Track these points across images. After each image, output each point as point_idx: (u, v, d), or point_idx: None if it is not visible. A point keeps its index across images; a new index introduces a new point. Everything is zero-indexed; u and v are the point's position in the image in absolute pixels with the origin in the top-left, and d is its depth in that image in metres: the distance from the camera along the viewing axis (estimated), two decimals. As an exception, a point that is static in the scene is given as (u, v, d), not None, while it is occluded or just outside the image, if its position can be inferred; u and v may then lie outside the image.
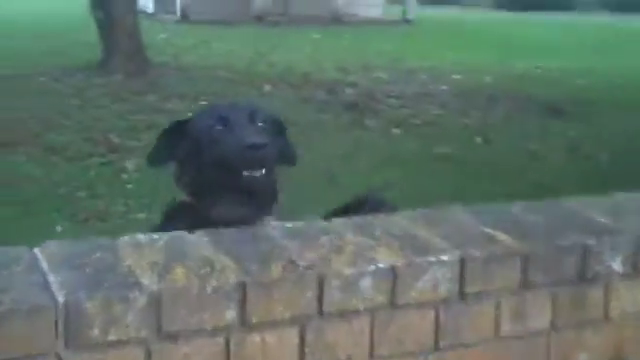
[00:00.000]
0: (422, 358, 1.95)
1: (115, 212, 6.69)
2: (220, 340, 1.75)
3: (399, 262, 1.89)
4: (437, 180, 7.66)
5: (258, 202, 2.29)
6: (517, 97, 11.74)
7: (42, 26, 18.94)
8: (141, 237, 1.94)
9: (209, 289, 1.73)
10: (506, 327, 2.02)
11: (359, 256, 1.90)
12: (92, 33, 13.68)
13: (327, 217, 2.27)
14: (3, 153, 8.20)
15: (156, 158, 2.47)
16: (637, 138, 9.49)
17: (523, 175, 7.92)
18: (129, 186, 7.35)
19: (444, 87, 12.71)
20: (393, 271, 1.88)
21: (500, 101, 11.47)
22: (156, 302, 1.69)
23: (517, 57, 16.44)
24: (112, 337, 1.66)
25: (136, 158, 7.80)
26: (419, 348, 1.95)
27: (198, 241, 1.94)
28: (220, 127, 2.34)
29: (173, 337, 1.71)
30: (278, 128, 2.50)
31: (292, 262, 1.84)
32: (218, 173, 2.29)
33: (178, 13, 23.18)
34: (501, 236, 2.06)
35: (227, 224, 2.08)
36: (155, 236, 1.95)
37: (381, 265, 1.87)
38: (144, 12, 20.23)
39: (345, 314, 1.85)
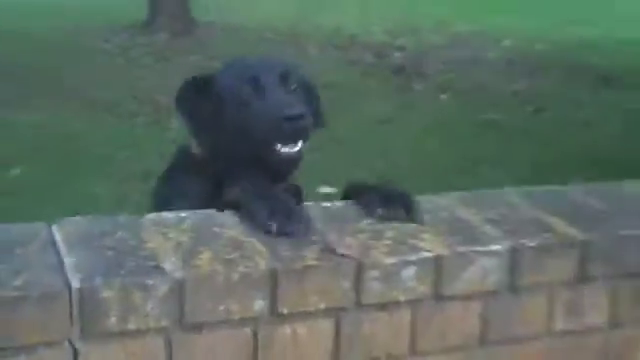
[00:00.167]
0: (467, 353, 1.80)
1: (157, 173, 6.56)
2: (247, 331, 1.62)
3: (445, 251, 1.74)
4: (483, 147, 7.44)
5: (284, 178, 2.10)
6: (571, 65, 11.39)
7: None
8: (167, 215, 1.80)
9: (236, 276, 1.59)
10: (559, 322, 1.86)
11: (401, 243, 1.75)
12: (138, -9, 13.57)
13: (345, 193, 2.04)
14: (49, 109, 8.13)
15: (184, 118, 2.21)
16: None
17: (574, 146, 7.66)
18: (173, 146, 7.23)
19: (493, 53, 12.40)
20: (438, 261, 1.72)
21: (552, 69, 11.16)
22: (178, 290, 1.55)
23: (572, 23, 16.00)
24: (130, 326, 1.53)
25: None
26: (464, 343, 1.79)
27: (227, 221, 1.80)
28: (249, 89, 2.10)
29: (196, 327, 1.58)
30: (308, 88, 2.28)
31: (328, 248, 1.70)
32: (244, 144, 2.07)
33: (226, -28, 22.95)
34: (557, 223, 1.89)
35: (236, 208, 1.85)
36: (182, 214, 1.81)
37: (425, 254, 1.72)
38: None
39: (385, 306, 1.70)
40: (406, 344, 1.74)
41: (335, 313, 1.66)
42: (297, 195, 2.14)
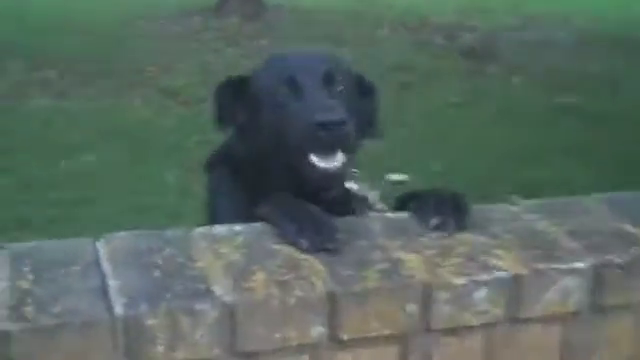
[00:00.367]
0: (546, 380, 1.65)
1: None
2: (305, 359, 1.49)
3: (521, 269, 1.58)
4: (559, 134, 7.17)
5: (327, 195, 1.88)
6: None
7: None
8: (218, 230, 1.68)
9: (292, 300, 1.46)
10: (648, 346, 1.69)
11: (472, 260, 1.60)
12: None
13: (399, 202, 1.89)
14: (118, 96, 8.13)
15: (220, 121, 2.03)
16: None
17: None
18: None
19: (567, 33, 12.06)
20: (514, 280, 1.57)
21: (629, 49, 10.77)
22: (230, 316, 1.43)
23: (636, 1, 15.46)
24: (179, 356, 1.42)
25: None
26: (543, 369, 1.64)
27: (284, 235, 1.67)
28: (286, 90, 1.89)
29: (250, 356, 1.46)
30: (363, 89, 2.03)
31: (392, 267, 1.56)
32: (277, 152, 1.87)
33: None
34: (646, 236, 1.72)
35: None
36: (235, 228, 1.69)
37: (499, 273, 1.57)
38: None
39: (455, 331, 1.56)
40: (479, 371, 1.60)
41: (400, 339, 1.53)
42: (345, 202, 1.96)
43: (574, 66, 9.90)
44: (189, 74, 9.14)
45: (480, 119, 7.59)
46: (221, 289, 1.46)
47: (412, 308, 1.51)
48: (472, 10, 13.83)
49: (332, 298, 1.48)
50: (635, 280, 1.64)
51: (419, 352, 1.54)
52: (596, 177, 5.73)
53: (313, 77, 1.89)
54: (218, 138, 2.16)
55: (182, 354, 1.42)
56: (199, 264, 1.54)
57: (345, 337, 1.49)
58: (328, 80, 1.91)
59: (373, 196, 1.97)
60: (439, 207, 1.74)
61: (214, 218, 1.97)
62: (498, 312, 1.57)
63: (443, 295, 1.53)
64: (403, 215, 1.77)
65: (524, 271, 1.58)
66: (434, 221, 1.71)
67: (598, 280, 1.62)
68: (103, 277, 1.49)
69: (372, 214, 1.84)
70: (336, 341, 1.49)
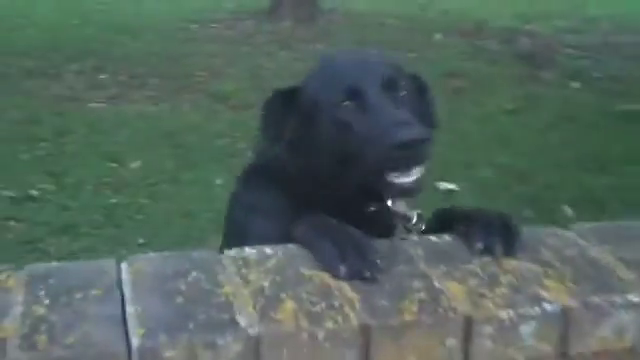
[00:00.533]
0: (598, 421, 1.52)
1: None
2: (336, 396, 1.39)
3: (572, 302, 1.46)
4: (621, 142, 6.94)
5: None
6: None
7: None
8: (249, 252, 1.58)
9: (322, 334, 1.36)
10: None
11: (519, 291, 1.48)
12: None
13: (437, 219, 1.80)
14: (168, 100, 8.11)
15: (269, 137, 1.88)
16: None
17: None
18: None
19: (629, 37, 11.77)
20: (564, 314, 1.45)
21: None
22: (254, 349, 1.33)
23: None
24: (198, 390, 1.33)
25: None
26: (594, 409, 1.51)
27: (317, 260, 1.57)
28: (347, 102, 1.73)
29: (275, 392, 1.36)
30: (418, 88, 1.90)
31: (432, 297, 1.45)
32: (342, 170, 1.74)
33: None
34: None
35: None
36: (267, 251, 1.59)
37: (548, 306, 1.45)
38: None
39: (499, 367, 1.44)
40: (525, 411, 1.47)
41: (439, 376, 1.42)
42: (385, 220, 1.82)
43: (637, 72, 9.64)
44: (240, 78, 9.09)
45: (536, 126, 7.40)
46: (246, 320, 1.36)
47: (452, 343, 1.40)
48: (530, 14, 13.59)
49: (366, 331, 1.37)
50: (698, 315, 1.51)
51: (459, 390, 1.43)
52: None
53: (374, 84, 1.74)
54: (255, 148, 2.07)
55: (202, 389, 1.32)
56: (225, 289, 1.44)
57: (378, 373, 1.39)
58: (390, 86, 1.77)
59: (412, 215, 1.85)
60: (486, 229, 1.62)
61: (245, 235, 1.85)
62: (547, 348, 1.45)
63: (486, 329, 1.41)
64: (447, 238, 1.66)
65: (575, 304, 1.45)
66: (480, 245, 1.60)
67: (657, 315, 1.49)
68: (122, 303, 1.40)
69: (412, 236, 1.72)
70: (368, 377, 1.39)
